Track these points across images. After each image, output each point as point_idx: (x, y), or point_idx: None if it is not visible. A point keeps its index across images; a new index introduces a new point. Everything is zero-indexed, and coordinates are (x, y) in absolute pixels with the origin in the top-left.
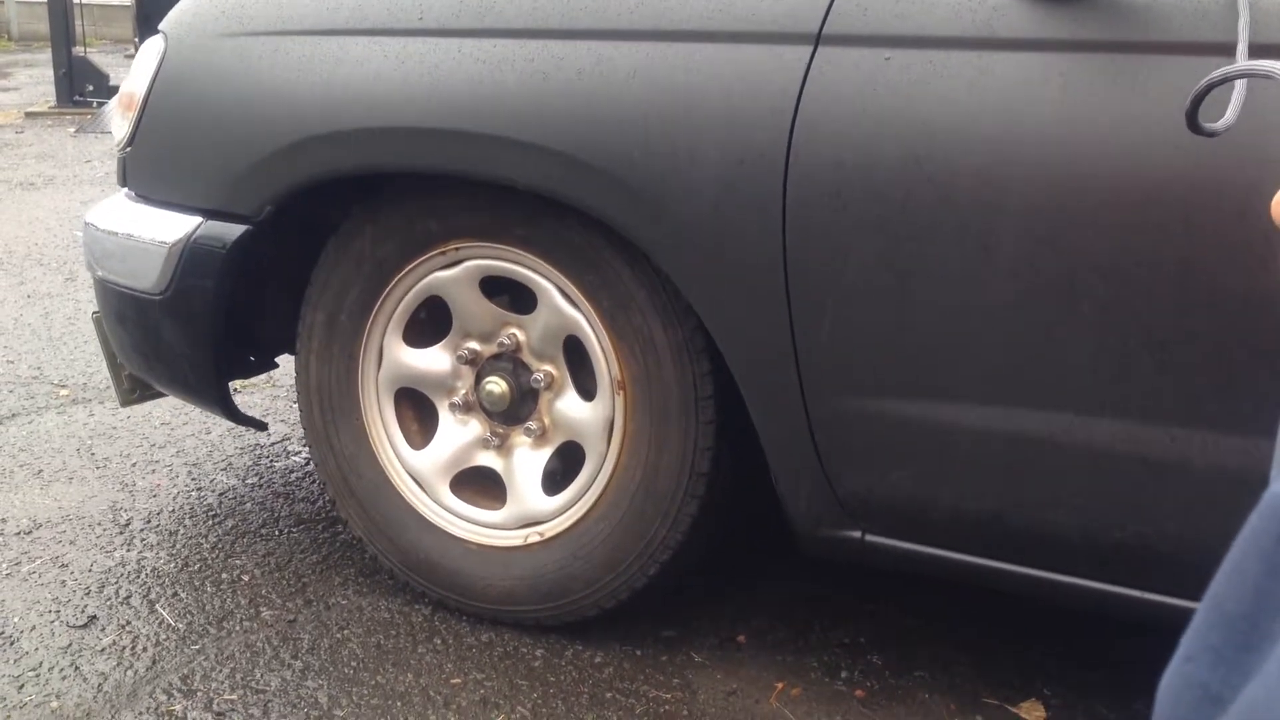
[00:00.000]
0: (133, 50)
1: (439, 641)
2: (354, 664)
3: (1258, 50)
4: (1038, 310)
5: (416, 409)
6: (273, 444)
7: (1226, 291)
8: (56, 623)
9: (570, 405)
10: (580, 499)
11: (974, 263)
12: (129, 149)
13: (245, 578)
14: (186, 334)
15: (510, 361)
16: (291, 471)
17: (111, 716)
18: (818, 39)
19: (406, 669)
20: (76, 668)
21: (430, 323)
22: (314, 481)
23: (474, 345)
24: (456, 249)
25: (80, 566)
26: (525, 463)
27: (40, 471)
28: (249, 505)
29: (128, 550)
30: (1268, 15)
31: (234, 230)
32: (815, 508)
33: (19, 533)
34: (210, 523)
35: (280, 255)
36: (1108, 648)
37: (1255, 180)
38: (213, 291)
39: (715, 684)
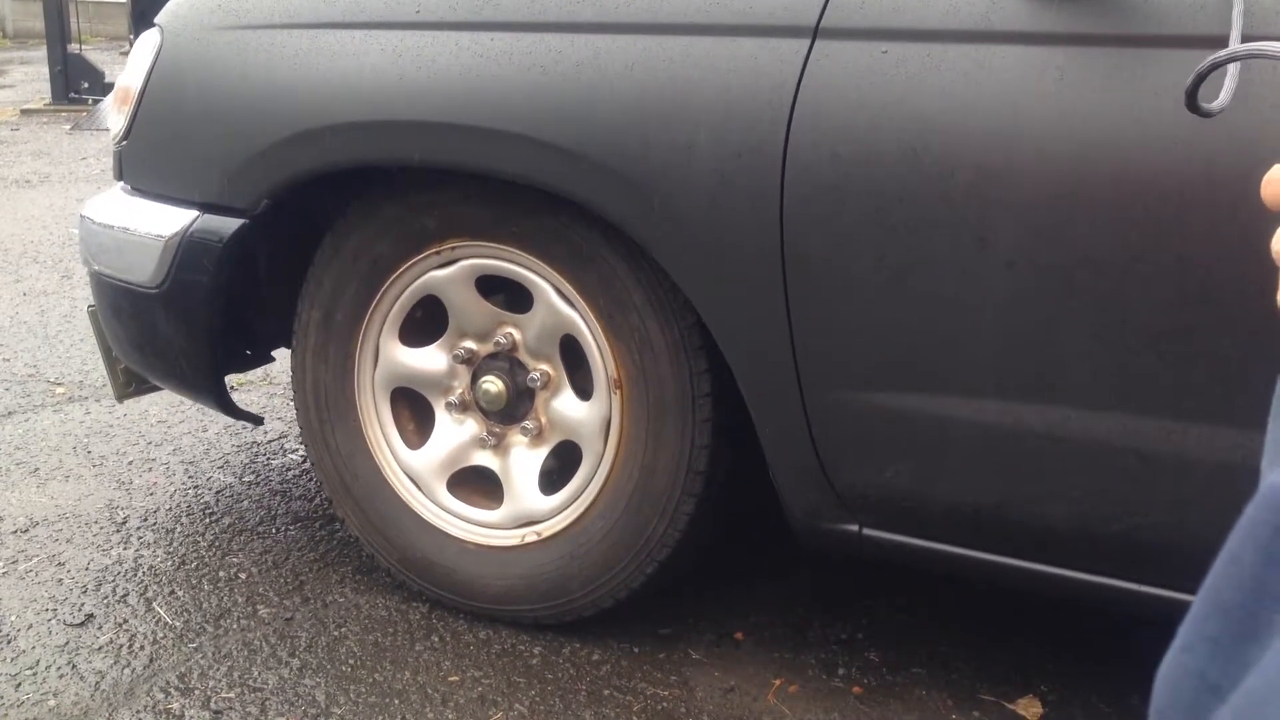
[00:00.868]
0: (128, 47)
1: (436, 639)
2: (351, 661)
3: (1252, 41)
4: (1035, 304)
5: (413, 408)
6: (269, 441)
7: (1223, 285)
8: (53, 621)
9: (567, 404)
10: (577, 498)
11: (971, 256)
12: (125, 142)
13: (242, 575)
14: (183, 327)
15: (507, 361)
16: (288, 469)
17: (109, 715)
18: (815, 32)
19: (404, 666)
20: (74, 666)
21: (427, 322)
22: (311, 479)
23: (470, 344)
24: (452, 248)
25: (77, 565)
26: (522, 462)
27: (36, 470)
28: (246, 503)
29: (124, 548)
30: (1263, 8)
31: (231, 224)
32: (813, 501)
33: (15, 531)
34: (207, 520)
35: (277, 250)
36: (1104, 644)
37: (1250, 173)
38: (209, 285)
39: (713, 681)
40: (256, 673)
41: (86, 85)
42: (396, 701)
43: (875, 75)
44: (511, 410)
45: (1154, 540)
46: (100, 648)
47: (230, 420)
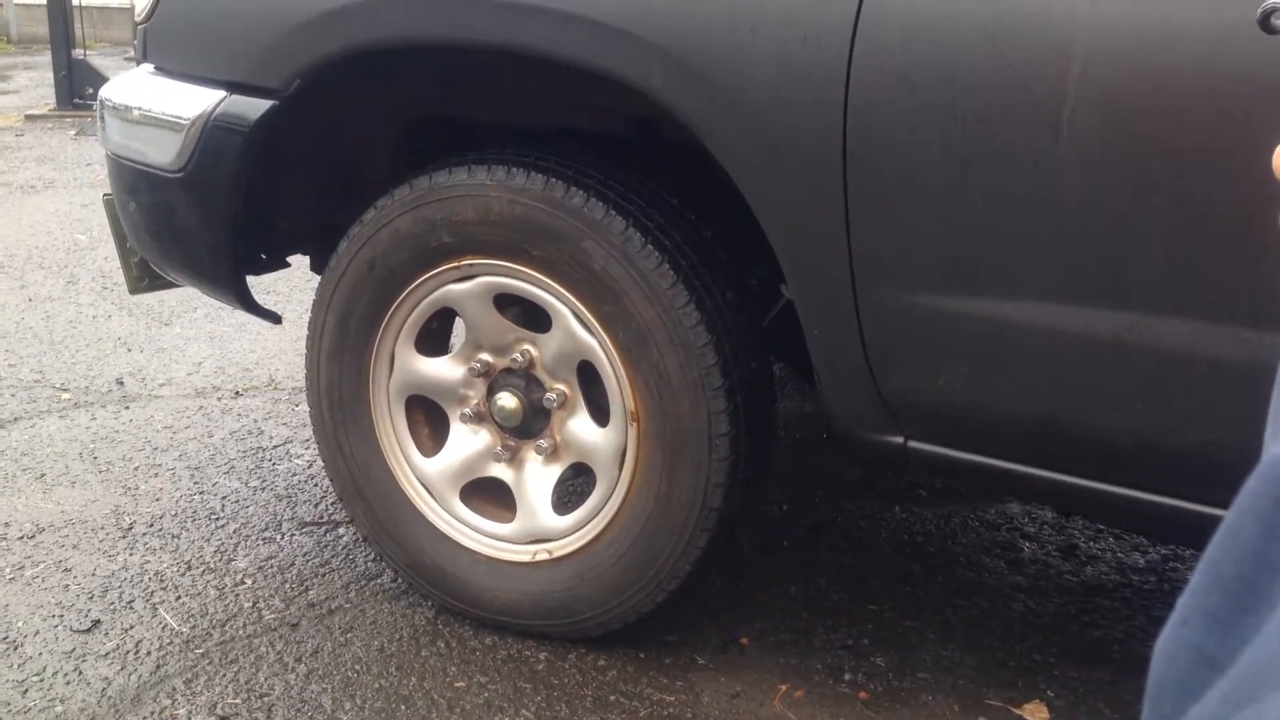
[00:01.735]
0: (132, 53)
1: (443, 645)
2: (357, 667)
3: None
4: (1108, 200)
5: (428, 415)
6: (275, 447)
7: None
8: (60, 627)
9: (582, 427)
10: (590, 521)
11: (1044, 148)
12: (149, 23)
13: (248, 581)
14: (204, 214)
15: (523, 377)
16: (294, 475)
17: None
18: None
19: (410, 672)
20: (80, 672)
21: (444, 332)
22: (316, 485)
23: (487, 357)
24: (470, 264)
25: (83, 571)
26: (536, 478)
27: (43, 475)
28: (251, 509)
29: (130, 554)
30: None
31: (260, 105)
32: (857, 409)
33: (22, 537)
34: (213, 526)
35: (303, 143)
36: (1110, 649)
37: None
38: (233, 170)
39: (719, 687)
40: (263, 678)
41: (91, 91)
42: (403, 707)
43: None
44: (527, 426)
45: (1221, 457)
46: (106, 654)
47: (236, 426)
